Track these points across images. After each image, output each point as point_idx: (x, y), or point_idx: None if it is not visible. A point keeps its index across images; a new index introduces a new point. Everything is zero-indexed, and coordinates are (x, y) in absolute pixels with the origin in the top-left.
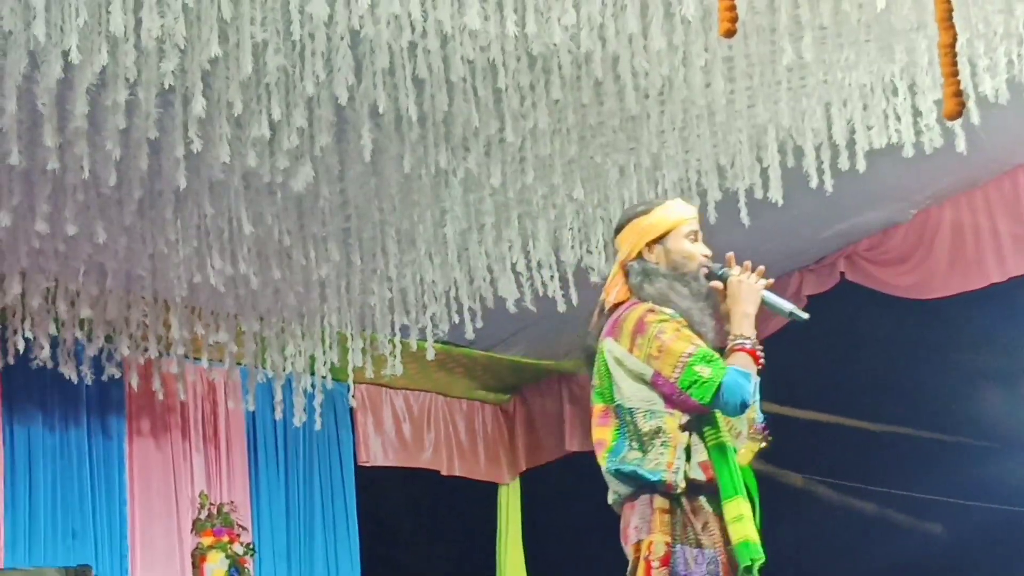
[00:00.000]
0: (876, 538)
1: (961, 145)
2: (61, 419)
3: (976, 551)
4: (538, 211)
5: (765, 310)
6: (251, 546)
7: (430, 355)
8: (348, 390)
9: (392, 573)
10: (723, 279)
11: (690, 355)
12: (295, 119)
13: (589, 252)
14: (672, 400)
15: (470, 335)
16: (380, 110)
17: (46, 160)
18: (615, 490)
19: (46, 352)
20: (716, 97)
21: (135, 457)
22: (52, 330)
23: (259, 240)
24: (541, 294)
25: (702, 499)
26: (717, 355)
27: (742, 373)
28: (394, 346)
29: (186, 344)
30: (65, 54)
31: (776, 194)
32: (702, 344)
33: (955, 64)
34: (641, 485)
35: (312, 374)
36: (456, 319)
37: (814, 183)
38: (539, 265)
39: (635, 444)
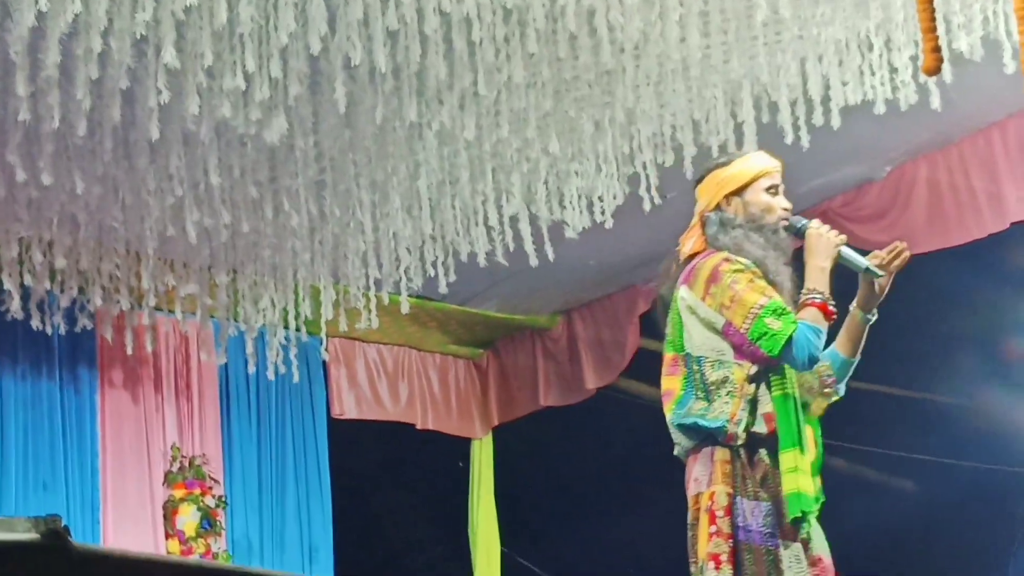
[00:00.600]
0: (848, 495)
1: (935, 102)
2: (33, 370)
3: (948, 508)
4: (512, 165)
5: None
6: (223, 499)
7: (404, 308)
8: (321, 343)
9: (364, 526)
10: (801, 232)
11: (761, 307)
12: (269, 70)
13: (563, 206)
14: (742, 350)
15: (443, 289)
16: (354, 62)
17: (17, 109)
18: (678, 442)
19: (17, 303)
20: (691, 52)
21: (107, 409)
22: (27, 281)
23: (232, 192)
24: (513, 248)
25: (762, 452)
26: (789, 309)
27: (812, 328)
28: (368, 299)
29: (158, 296)
30: (36, 2)
31: (751, 149)
32: (775, 296)
33: (933, 19)
34: (703, 437)
35: (285, 327)
36: (430, 273)
37: (789, 139)
38: (513, 219)
39: (701, 394)
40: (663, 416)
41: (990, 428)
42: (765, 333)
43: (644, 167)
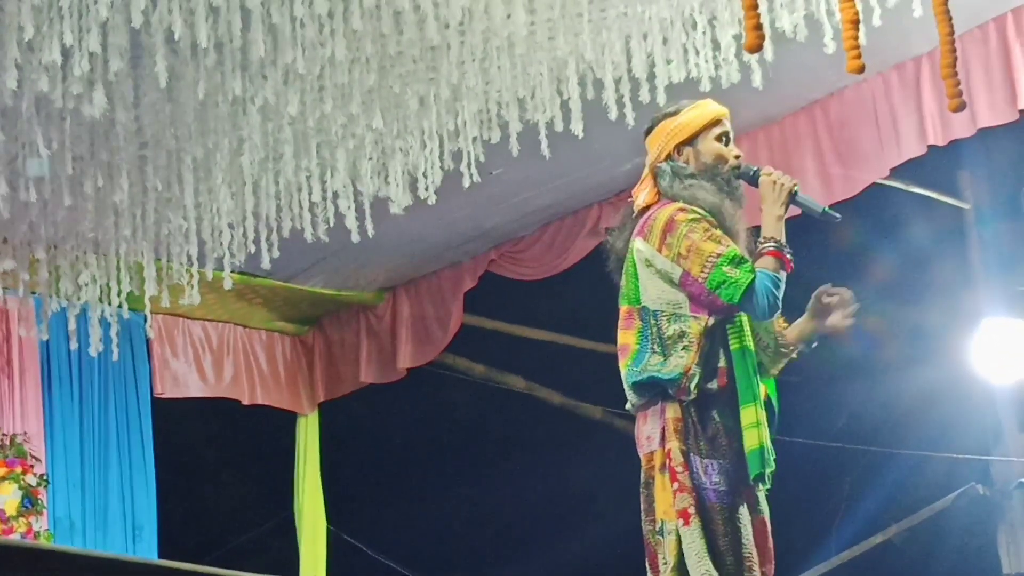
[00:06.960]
0: None
1: (757, 80)
2: None
3: (781, 484)
4: (337, 141)
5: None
6: (45, 477)
7: (227, 284)
8: (145, 320)
9: (189, 505)
10: (754, 178)
11: (719, 255)
12: (87, 45)
13: (387, 182)
14: (700, 300)
15: (267, 265)
16: (176, 36)
17: None
18: (630, 399)
19: None
20: (516, 28)
21: None
22: None
23: (52, 167)
24: (333, 224)
25: (713, 411)
26: (747, 257)
27: (770, 276)
28: (191, 275)
29: None
30: None
31: (577, 127)
32: (732, 245)
33: None
34: (656, 392)
35: (108, 303)
36: (253, 249)
37: (614, 116)
38: (336, 195)
39: (657, 348)
40: (490, 394)
41: (820, 405)
42: (724, 281)
43: (470, 143)
